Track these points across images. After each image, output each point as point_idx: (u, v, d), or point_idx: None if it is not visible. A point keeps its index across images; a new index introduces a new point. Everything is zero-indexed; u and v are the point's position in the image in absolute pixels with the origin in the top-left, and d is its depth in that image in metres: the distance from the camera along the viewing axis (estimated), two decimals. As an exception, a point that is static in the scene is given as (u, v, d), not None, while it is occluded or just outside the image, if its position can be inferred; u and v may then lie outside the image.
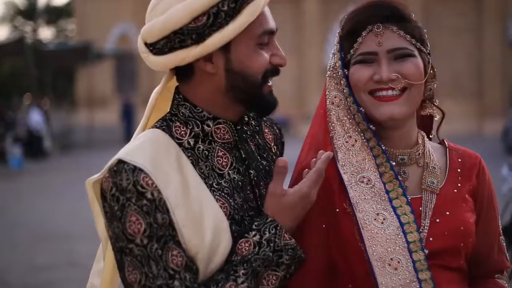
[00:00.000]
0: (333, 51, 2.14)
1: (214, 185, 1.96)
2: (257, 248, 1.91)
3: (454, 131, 29.01)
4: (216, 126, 2.00)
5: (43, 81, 32.88)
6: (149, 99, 2.11)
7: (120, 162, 1.88)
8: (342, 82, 2.09)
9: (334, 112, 2.10)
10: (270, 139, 2.22)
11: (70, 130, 30.89)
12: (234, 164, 2.01)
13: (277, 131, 2.29)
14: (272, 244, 1.91)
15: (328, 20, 35.42)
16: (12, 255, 10.46)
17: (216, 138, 2.00)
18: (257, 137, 2.16)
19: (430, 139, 2.24)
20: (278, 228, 1.92)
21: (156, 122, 2.03)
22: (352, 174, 2.05)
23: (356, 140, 2.07)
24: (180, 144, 1.96)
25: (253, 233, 1.93)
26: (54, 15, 68.76)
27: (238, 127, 2.07)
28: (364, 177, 2.04)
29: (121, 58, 41.73)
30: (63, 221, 12.80)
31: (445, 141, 2.23)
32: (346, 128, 2.08)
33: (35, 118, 25.80)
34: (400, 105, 2.03)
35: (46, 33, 70.23)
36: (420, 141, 2.15)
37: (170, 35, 1.93)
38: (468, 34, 34.63)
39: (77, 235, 11.41)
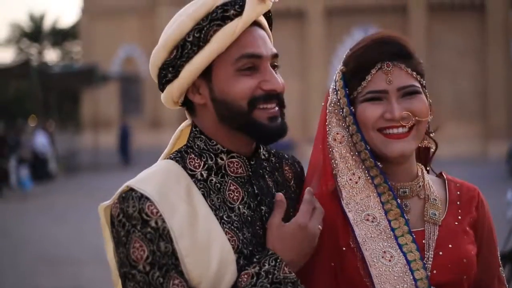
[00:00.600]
0: (334, 87, 2.14)
1: (224, 217, 1.96)
2: (255, 279, 1.89)
3: (459, 153, 29.03)
4: (230, 159, 2.01)
5: (48, 104, 32.97)
6: (173, 135, 2.16)
7: (130, 189, 1.91)
8: (347, 119, 2.09)
9: (336, 149, 2.10)
10: (290, 177, 2.21)
11: (75, 153, 30.92)
12: (245, 199, 2.01)
13: (299, 169, 2.27)
14: (270, 276, 1.89)
15: (332, 43, 35.53)
16: (15, 278, 10.45)
17: (229, 172, 2.01)
18: (276, 174, 2.16)
19: (427, 171, 2.24)
20: (278, 260, 1.91)
21: (172, 153, 2.06)
22: (357, 212, 2.06)
23: (359, 177, 2.08)
24: (193, 176, 1.98)
25: (254, 265, 1.92)
26: (59, 37, 69.07)
27: (252, 162, 2.07)
28: (369, 215, 2.05)
29: (126, 80, 41.88)
30: (68, 244, 12.79)
31: (443, 173, 2.25)
32: (349, 165, 2.09)
33: (40, 140, 25.85)
34: (410, 142, 2.05)
35: (51, 55, 70.57)
36: (420, 174, 2.16)
37: (159, 72, 2.00)
38: (471, 55, 34.67)
39: (82, 258, 11.41)
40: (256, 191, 2.04)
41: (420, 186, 2.13)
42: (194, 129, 2.06)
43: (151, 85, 41.39)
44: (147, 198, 1.87)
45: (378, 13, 35.16)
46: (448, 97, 34.15)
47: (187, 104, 2.06)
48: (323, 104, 2.21)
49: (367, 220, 2.05)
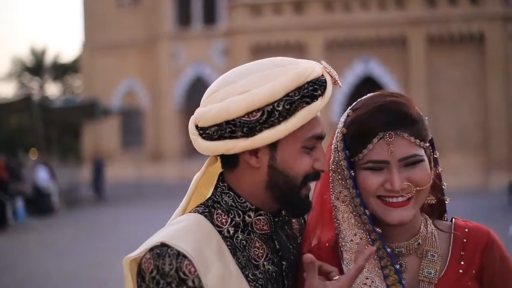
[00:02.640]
0: (335, 146, 2.11)
1: (250, 275, 1.96)
2: None
3: (460, 185, 28.97)
4: (257, 217, 2.01)
5: (49, 137, 33.02)
6: (191, 183, 2.13)
7: (163, 245, 1.88)
8: (348, 181, 2.07)
9: (340, 209, 2.10)
10: (297, 229, 2.24)
11: (75, 186, 30.93)
12: (269, 255, 2.02)
13: (303, 221, 2.29)
14: None
15: (332, 75, 35.63)
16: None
17: (255, 229, 2.02)
18: (286, 227, 2.17)
19: (445, 219, 2.20)
20: None
21: (197, 207, 2.04)
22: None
23: (361, 238, 2.07)
24: (219, 232, 1.97)
25: None
26: (60, 72, 69.36)
27: (276, 219, 2.08)
28: (367, 278, 2.03)
29: (127, 114, 42.00)
30: (69, 280, 12.74)
31: (453, 219, 2.18)
32: (351, 225, 2.08)
33: (42, 175, 25.86)
34: (410, 210, 2.01)
35: (53, 89, 70.77)
36: (422, 228, 2.11)
37: (223, 123, 1.94)
38: (472, 86, 34.76)
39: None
40: (277, 247, 2.05)
41: (419, 243, 2.08)
42: (221, 184, 2.05)
43: (152, 118, 41.56)
44: (185, 256, 1.85)
45: (378, 45, 35.34)
46: (449, 129, 34.20)
47: (229, 157, 2.03)
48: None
49: (365, 284, 2.03)
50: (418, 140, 1.98)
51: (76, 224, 21.69)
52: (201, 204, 2.06)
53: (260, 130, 1.91)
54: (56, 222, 22.68)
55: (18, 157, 44.30)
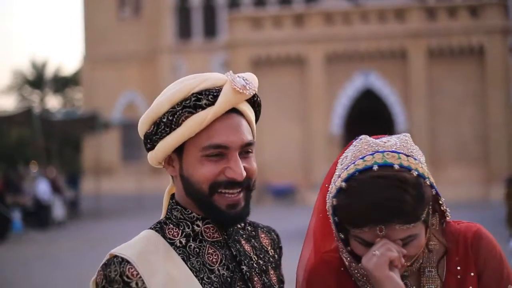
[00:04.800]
0: (327, 201, 2.07)
1: (205, 278, 2.02)
2: None
3: (460, 197, 28.97)
4: (206, 225, 2.08)
5: (50, 150, 33.05)
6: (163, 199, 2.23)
7: (112, 256, 1.98)
8: (339, 241, 2.07)
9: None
10: (267, 243, 2.27)
11: (76, 199, 30.91)
12: (223, 261, 2.07)
13: (275, 236, 2.33)
14: None
15: (333, 88, 35.72)
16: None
17: (206, 237, 2.07)
18: (253, 240, 2.22)
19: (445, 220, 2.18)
20: None
21: (153, 224, 2.14)
22: None
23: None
24: (172, 244, 2.05)
25: None
26: (61, 84, 69.46)
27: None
28: None
29: (127, 127, 42.02)
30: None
31: (444, 224, 2.16)
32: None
33: (42, 187, 25.87)
34: (404, 266, 2.00)
35: (53, 102, 70.84)
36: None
37: (143, 138, 2.12)
38: (472, 99, 34.84)
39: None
40: (234, 253, 2.10)
41: (419, 263, 2.09)
42: (171, 201, 2.15)
43: (153, 131, 41.59)
44: (127, 262, 1.94)
45: (378, 58, 35.44)
46: (449, 142, 34.26)
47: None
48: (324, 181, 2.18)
49: None
50: (412, 224, 1.93)
51: (76, 237, 21.69)
52: (157, 222, 2.14)
53: (156, 142, 2.05)
54: (55, 235, 22.69)
55: (18, 170, 44.31)
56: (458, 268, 2.08)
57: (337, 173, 2.05)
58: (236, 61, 36.45)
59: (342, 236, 2.03)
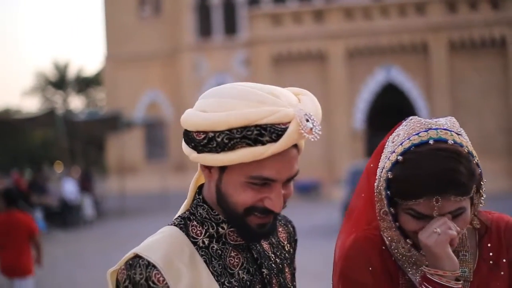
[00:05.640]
0: (380, 178, 2.13)
1: (225, 283, 2.02)
2: None
3: (485, 190, 28.82)
4: (230, 229, 2.06)
5: (74, 150, 33.24)
6: (190, 188, 2.19)
7: (136, 256, 1.97)
8: (388, 215, 2.13)
9: (387, 221, 2.16)
10: (284, 237, 2.28)
11: (101, 199, 31.07)
12: (244, 264, 2.08)
13: (291, 229, 2.33)
14: None
15: (354, 84, 35.65)
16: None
17: (229, 240, 2.07)
18: (270, 236, 2.18)
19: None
20: None
21: (175, 219, 2.12)
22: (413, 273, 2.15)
23: (410, 244, 2.14)
24: (195, 243, 2.05)
25: None
26: (84, 85, 69.85)
27: None
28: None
29: (150, 126, 42.19)
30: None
31: (475, 214, 2.23)
32: (397, 235, 2.16)
33: (68, 187, 26.02)
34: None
35: (76, 102, 71.27)
36: None
37: (184, 130, 2.03)
38: (495, 91, 34.65)
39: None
40: (255, 256, 2.10)
41: (453, 247, 2.12)
42: (197, 196, 2.12)
43: (176, 129, 41.66)
44: (154, 266, 1.93)
45: (399, 52, 35.32)
46: (472, 134, 33.79)
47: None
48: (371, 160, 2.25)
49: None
50: (464, 197, 2.01)
51: (101, 236, 21.81)
52: (178, 216, 2.13)
53: (202, 151, 1.95)
54: (79, 234, 22.83)
55: (43, 171, 44.61)
56: (491, 254, 2.18)
57: (389, 150, 2.12)
58: (257, 58, 36.47)
59: (393, 211, 2.09)
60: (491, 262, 2.16)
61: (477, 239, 2.21)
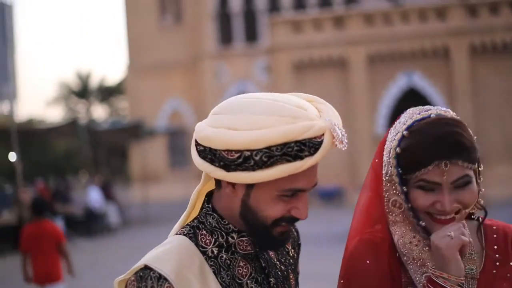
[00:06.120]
0: (388, 161, 2.20)
1: None
2: None
3: (509, 195, 28.65)
4: (240, 238, 2.07)
5: (97, 159, 33.43)
6: (191, 197, 2.21)
7: (146, 268, 1.97)
8: (400, 196, 2.18)
9: (396, 213, 2.22)
10: (288, 242, 2.28)
11: (125, 207, 31.21)
12: (253, 274, 2.08)
13: (295, 233, 2.35)
14: None
15: (376, 90, 35.58)
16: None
17: (238, 249, 2.07)
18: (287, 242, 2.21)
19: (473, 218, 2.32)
20: None
21: (184, 228, 2.12)
22: (416, 271, 2.20)
23: (419, 241, 2.20)
24: (204, 253, 2.04)
25: None
26: (106, 94, 70.21)
27: None
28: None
29: (173, 134, 42.33)
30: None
31: (480, 218, 2.30)
32: (407, 229, 2.21)
33: (93, 196, 26.17)
34: None
35: (99, 111, 71.64)
36: None
37: (207, 148, 1.98)
38: (518, 95, 34.45)
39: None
40: (263, 265, 2.11)
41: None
42: (206, 205, 2.11)
43: (198, 137, 41.76)
44: (165, 279, 1.92)
45: (420, 58, 35.20)
46: (496, 139, 33.87)
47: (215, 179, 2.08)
48: (374, 158, 2.30)
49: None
50: (470, 165, 2.09)
51: (124, 244, 21.89)
52: (187, 224, 2.13)
53: (235, 170, 1.91)
54: (102, 242, 22.92)
55: (66, 180, 44.87)
56: (497, 255, 2.23)
57: (393, 134, 2.21)
58: (278, 65, 36.50)
59: (405, 189, 2.15)
60: (497, 263, 2.22)
61: (483, 241, 2.26)
